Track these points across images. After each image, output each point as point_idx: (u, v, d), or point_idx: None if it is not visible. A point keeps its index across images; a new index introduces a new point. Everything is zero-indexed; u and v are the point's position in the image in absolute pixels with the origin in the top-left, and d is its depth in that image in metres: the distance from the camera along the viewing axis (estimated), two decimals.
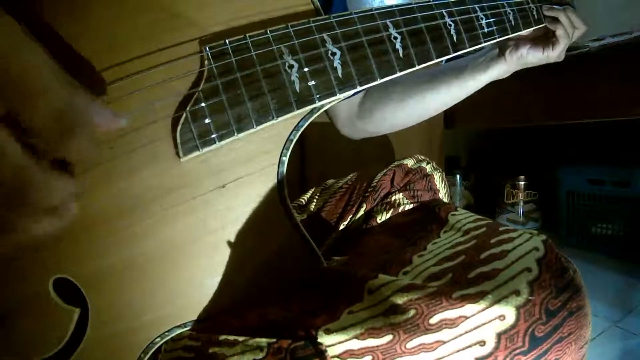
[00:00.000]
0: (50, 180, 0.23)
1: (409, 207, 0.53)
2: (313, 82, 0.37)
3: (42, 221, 0.24)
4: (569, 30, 0.54)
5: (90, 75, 0.32)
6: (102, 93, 0.32)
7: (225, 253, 0.37)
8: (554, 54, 0.55)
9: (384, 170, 0.57)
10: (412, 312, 0.30)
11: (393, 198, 0.54)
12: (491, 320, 0.30)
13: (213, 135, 0.35)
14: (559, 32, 0.53)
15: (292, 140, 0.38)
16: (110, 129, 0.28)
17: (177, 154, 0.34)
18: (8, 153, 0.21)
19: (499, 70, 0.57)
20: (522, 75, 0.60)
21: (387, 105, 0.63)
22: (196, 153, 0.35)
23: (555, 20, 0.54)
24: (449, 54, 0.43)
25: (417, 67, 0.41)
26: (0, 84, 0.21)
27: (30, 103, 0.22)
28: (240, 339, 0.33)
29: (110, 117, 0.28)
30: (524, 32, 0.52)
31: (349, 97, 0.60)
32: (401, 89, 0.62)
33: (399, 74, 0.41)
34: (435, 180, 0.56)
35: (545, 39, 0.56)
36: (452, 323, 0.30)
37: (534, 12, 0.54)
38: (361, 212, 0.55)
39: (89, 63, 0.32)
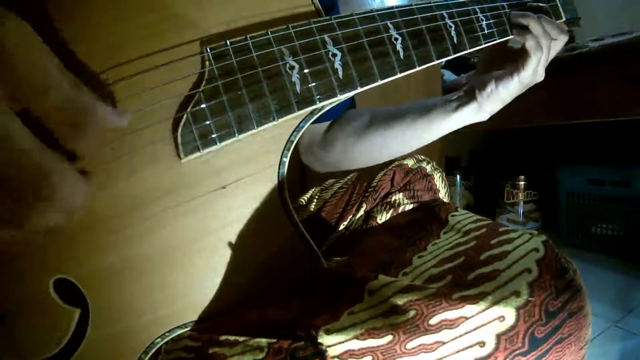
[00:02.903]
0: (65, 172, 0.23)
1: (409, 207, 0.53)
2: (314, 84, 0.37)
3: (52, 215, 0.24)
4: (543, 41, 0.45)
5: (88, 78, 0.32)
6: (105, 93, 0.32)
7: (225, 253, 0.37)
8: (527, 74, 0.45)
9: (384, 170, 0.57)
10: (412, 313, 0.30)
11: (393, 198, 0.54)
12: (491, 321, 0.30)
13: (214, 136, 0.35)
14: (529, 43, 0.44)
15: (292, 141, 0.39)
16: (114, 126, 0.28)
17: (178, 154, 0.34)
18: (22, 144, 0.21)
19: (471, 111, 0.49)
20: None
21: (349, 135, 0.58)
22: (197, 154, 0.35)
23: (525, 30, 0.46)
24: (449, 55, 0.43)
25: (418, 69, 0.41)
26: (8, 80, 0.21)
27: (38, 98, 0.22)
28: (241, 339, 0.33)
29: (114, 115, 0.28)
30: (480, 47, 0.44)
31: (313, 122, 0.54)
32: (365, 122, 0.57)
33: (399, 75, 0.41)
34: (435, 180, 0.56)
35: (513, 60, 0.47)
36: (452, 324, 0.30)
37: (505, 20, 0.47)
38: (361, 212, 0.55)
39: (86, 66, 0.32)
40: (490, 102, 0.48)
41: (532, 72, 0.46)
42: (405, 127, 0.53)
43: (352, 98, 0.62)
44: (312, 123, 0.58)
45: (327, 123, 0.61)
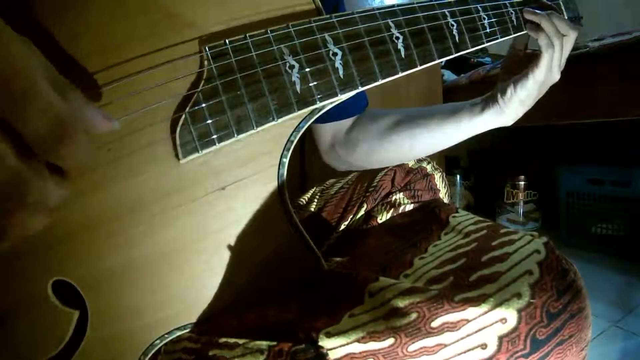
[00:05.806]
0: (44, 183, 0.23)
1: (409, 207, 0.53)
2: (314, 83, 0.37)
3: (31, 223, 0.23)
4: (555, 39, 0.46)
5: (85, 78, 0.32)
6: (95, 96, 0.31)
7: (225, 254, 0.36)
8: (541, 72, 0.46)
9: (385, 170, 0.57)
10: (413, 315, 0.30)
11: (394, 198, 0.54)
12: (493, 323, 0.30)
13: (213, 137, 0.35)
14: (541, 41, 0.45)
15: (292, 142, 0.38)
16: (102, 131, 0.27)
17: (177, 155, 0.34)
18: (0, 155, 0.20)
19: (494, 114, 0.49)
20: None
21: (374, 136, 0.57)
22: (196, 155, 0.35)
23: (537, 27, 0.47)
24: (451, 54, 0.43)
25: (419, 68, 0.41)
26: None
27: (21, 107, 0.21)
28: (241, 341, 0.32)
29: (101, 121, 0.27)
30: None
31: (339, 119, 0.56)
32: (391, 122, 0.56)
33: (400, 75, 0.40)
34: (435, 180, 0.56)
35: (528, 60, 0.48)
36: (453, 326, 0.30)
37: (513, 18, 0.48)
38: (362, 212, 0.55)
39: (84, 65, 0.32)
40: (510, 105, 0.48)
41: (546, 71, 0.46)
42: (433, 129, 0.53)
43: (366, 97, 0.62)
44: (328, 122, 0.59)
45: (348, 122, 0.60)
